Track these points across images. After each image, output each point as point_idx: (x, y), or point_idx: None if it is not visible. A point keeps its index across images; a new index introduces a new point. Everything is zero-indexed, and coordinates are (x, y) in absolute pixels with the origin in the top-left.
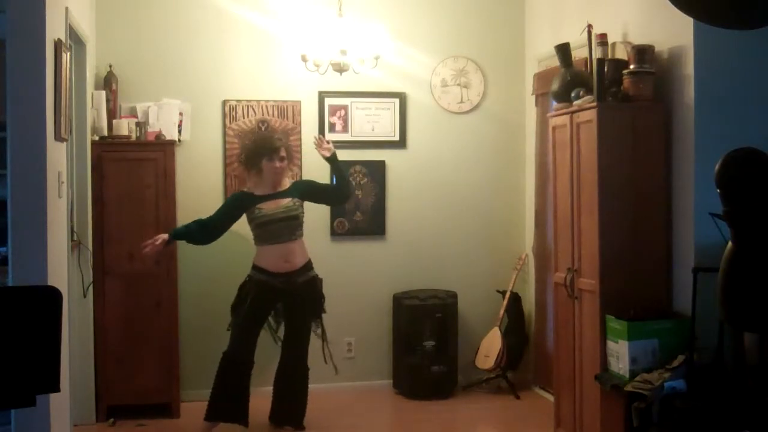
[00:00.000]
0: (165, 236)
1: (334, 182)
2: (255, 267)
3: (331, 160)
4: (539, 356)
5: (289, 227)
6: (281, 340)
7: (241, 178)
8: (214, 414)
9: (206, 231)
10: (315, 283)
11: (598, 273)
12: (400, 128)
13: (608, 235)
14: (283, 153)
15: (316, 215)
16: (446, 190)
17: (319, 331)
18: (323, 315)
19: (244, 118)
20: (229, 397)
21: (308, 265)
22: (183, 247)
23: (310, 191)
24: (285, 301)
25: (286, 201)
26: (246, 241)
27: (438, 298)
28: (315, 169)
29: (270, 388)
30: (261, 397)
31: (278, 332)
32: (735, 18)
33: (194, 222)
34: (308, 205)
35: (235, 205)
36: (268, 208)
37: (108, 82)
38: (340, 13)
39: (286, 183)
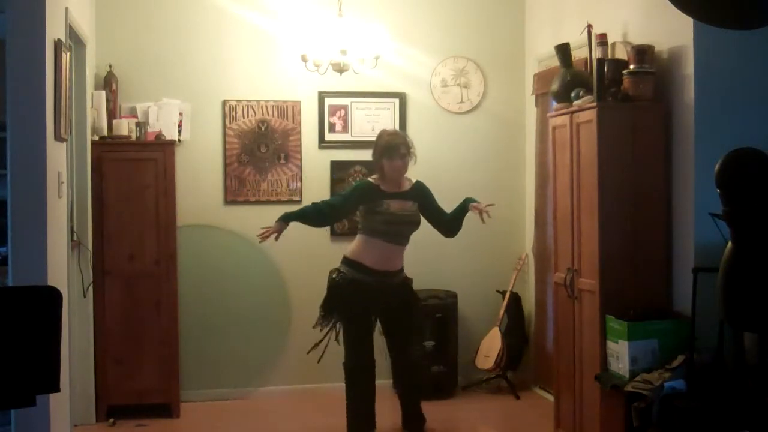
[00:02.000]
0: (277, 227)
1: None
2: (350, 262)
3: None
4: (539, 356)
5: (408, 232)
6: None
7: (241, 178)
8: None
9: (325, 214)
10: (409, 284)
11: (598, 273)
12: (400, 128)
13: (608, 235)
14: (403, 150)
15: None
16: (446, 190)
17: None
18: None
19: (244, 118)
20: (364, 406)
21: (402, 269)
22: (183, 247)
23: (425, 203)
24: (382, 303)
25: (410, 204)
26: (245, 240)
27: (438, 298)
28: (314, 168)
29: (277, 388)
30: (267, 398)
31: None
32: (735, 18)
33: (310, 205)
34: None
35: (362, 193)
36: (396, 207)
37: (108, 82)
38: (340, 13)
39: (407, 183)
